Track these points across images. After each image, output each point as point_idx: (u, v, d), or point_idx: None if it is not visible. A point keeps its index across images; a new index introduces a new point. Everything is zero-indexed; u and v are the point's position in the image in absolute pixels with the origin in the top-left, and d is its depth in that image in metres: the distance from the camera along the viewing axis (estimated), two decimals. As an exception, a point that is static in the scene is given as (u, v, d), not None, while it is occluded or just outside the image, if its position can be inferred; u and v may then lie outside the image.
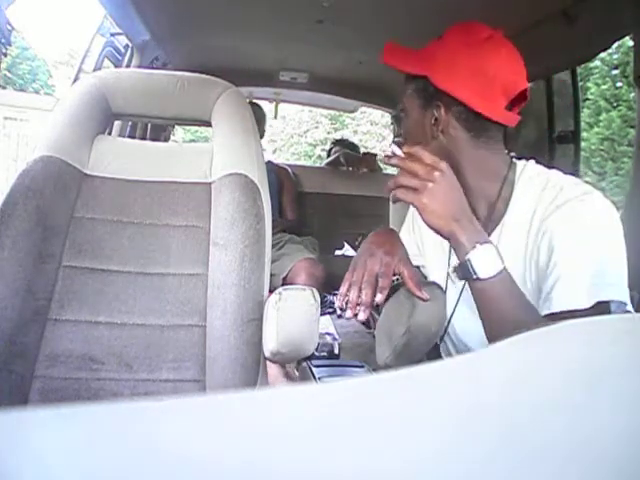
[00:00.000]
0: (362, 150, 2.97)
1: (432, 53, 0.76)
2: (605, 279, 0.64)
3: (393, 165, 0.69)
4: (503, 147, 0.78)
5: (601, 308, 0.62)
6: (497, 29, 0.74)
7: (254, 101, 2.30)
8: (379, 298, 0.72)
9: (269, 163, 2.19)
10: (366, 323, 1.56)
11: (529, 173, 0.75)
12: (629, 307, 0.64)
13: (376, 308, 0.77)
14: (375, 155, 2.66)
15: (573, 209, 0.67)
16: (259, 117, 2.17)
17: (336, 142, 3.01)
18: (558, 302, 0.65)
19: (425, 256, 0.88)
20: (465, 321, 0.82)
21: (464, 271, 0.67)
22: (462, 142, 0.75)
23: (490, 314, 0.68)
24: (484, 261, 0.65)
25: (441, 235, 0.68)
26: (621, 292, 0.64)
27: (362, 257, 0.76)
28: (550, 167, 0.77)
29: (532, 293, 0.71)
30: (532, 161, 0.78)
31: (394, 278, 0.75)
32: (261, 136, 2.17)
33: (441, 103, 0.74)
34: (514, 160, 0.78)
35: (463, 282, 0.80)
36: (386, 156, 0.72)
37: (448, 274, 0.82)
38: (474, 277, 0.66)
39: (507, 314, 0.65)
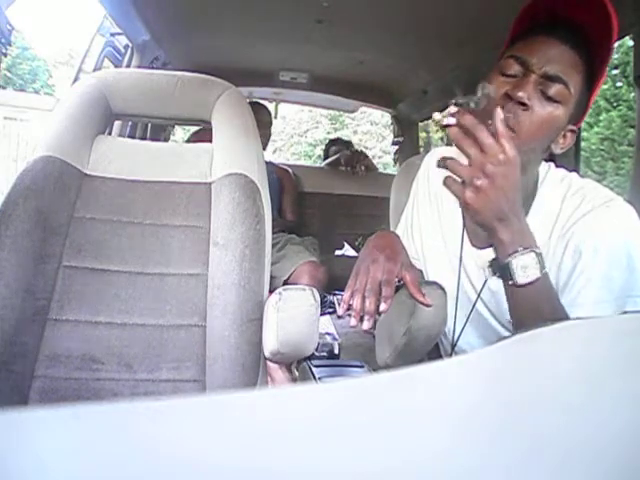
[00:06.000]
0: (357, 148, 2.95)
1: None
2: (635, 290, 0.63)
3: (451, 136, 0.59)
4: None
5: None
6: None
7: (261, 102, 2.30)
8: (383, 308, 0.70)
9: (269, 164, 2.19)
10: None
11: (552, 177, 0.74)
12: None
13: None
14: (366, 156, 2.62)
15: (600, 217, 0.66)
16: (266, 120, 2.17)
17: (332, 142, 3.01)
18: (584, 309, 0.64)
19: (425, 257, 0.86)
20: (473, 342, 0.81)
21: (501, 272, 0.63)
22: (542, 157, 0.72)
23: (521, 318, 0.64)
24: (523, 267, 0.61)
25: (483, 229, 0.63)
26: None
27: (364, 263, 0.74)
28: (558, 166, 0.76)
29: None
30: (552, 164, 0.77)
31: (396, 281, 0.75)
32: (267, 140, 2.18)
33: (576, 128, 0.69)
34: None
35: (473, 291, 0.79)
36: (443, 125, 0.59)
37: (460, 272, 0.80)
38: (510, 282, 0.62)
39: (539, 320, 0.62)
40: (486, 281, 0.76)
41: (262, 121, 2.12)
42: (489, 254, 0.76)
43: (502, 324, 0.76)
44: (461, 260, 0.79)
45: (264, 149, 2.11)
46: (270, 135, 2.25)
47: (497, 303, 0.76)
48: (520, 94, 0.64)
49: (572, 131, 0.69)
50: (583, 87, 0.66)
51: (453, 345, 0.83)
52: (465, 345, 0.82)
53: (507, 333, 0.75)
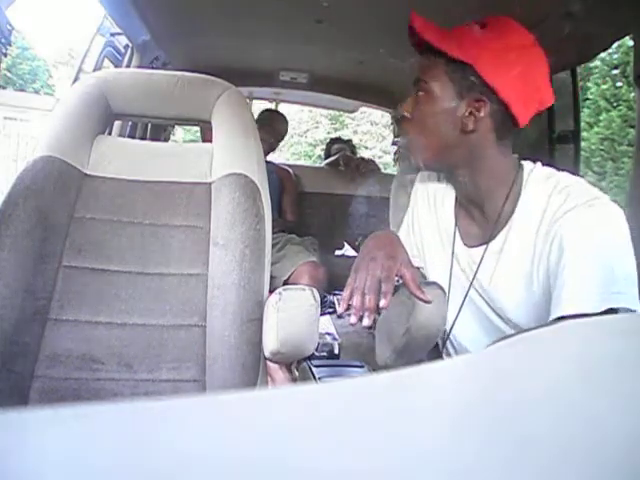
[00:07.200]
0: (362, 156, 2.96)
1: (478, 42, 0.72)
2: (615, 287, 0.63)
3: None
4: (511, 151, 0.78)
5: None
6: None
7: (280, 112, 2.32)
8: (383, 303, 0.71)
9: (270, 164, 2.19)
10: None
11: (537, 176, 0.75)
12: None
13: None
14: (372, 162, 2.64)
15: (582, 214, 0.67)
16: (284, 130, 2.25)
17: (333, 141, 3.00)
18: (568, 305, 0.64)
19: (425, 257, 0.88)
20: (467, 327, 0.82)
21: None
22: (487, 142, 0.74)
23: None
24: None
25: None
26: (631, 300, 0.63)
27: (363, 261, 0.76)
28: (555, 168, 0.77)
29: (538, 292, 0.71)
30: (539, 163, 0.78)
31: (395, 279, 0.75)
32: (276, 147, 2.22)
33: (485, 98, 0.71)
34: (521, 162, 0.78)
35: (467, 286, 0.80)
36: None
37: (451, 271, 0.82)
38: None
39: None
40: (475, 276, 0.78)
41: (279, 130, 2.20)
42: (478, 252, 0.78)
43: (502, 318, 0.77)
44: (453, 253, 0.82)
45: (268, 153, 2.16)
46: (280, 142, 2.29)
47: (492, 299, 0.78)
48: (399, 111, 0.78)
49: (477, 100, 0.72)
50: (447, 71, 0.73)
51: (446, 337, 0.85)
52: (468, 340, 0.83)
53: (506, 326, 0.76)
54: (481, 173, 0.76)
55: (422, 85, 0.75)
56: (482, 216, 0.79)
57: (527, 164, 0.78)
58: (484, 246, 0.78)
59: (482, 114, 0.72)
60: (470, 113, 0.72)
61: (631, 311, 0.62)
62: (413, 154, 0.79)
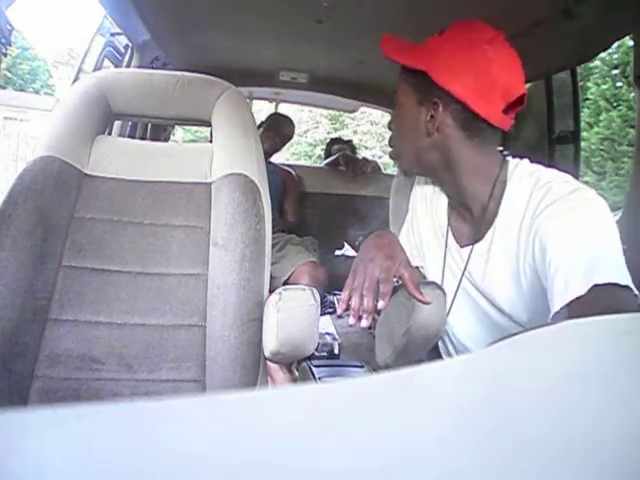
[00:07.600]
0: (365, 157, 2.96)
1: (433, 48, 0.75)
2: (598, 264, 0.61)
3: None
4: (496, 148, 0.78)
5: (599, 292, 0.59)
6: (498, 31, 0.74)
7: (285, 115, 2.34)
8: (381, 304, 0.71)
9: (272, 165, 2.19)
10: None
11: (520, 173, 0.75)
12: (635, 290, 0.60)
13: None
14: (373, 162, 2.65)
15: (561, 207, 0.66)
16: (291, 134, 2.28)
17: (334, 141, 3.00)
18: (559, 298, 0.63)
19: (424, 256, 0.88)
20: (461, 319, 0.82)
21: None
22: (456, 141, 0.75)
23: None
24: None
25: None
26: (618, 275, 0.60)
27: (362, 262, 0.76)
28: (549, 166, 0.76)
29: (527, 291, 0.71)
30: (526, 160, 0.77)
31: (394, 280, 0.75)
32: (280, 147, 2.24)
33: (439, 100, 0.73)
34: (507, 159, 0.78)
35: (459, 280, 0.80)
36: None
37: (443, 271, 0.83)
38: None
39: None
40: (462, 276, 0.80)
41: (285, 133, 2.25)
42: (466, 251, 0.80)
43: (499, 310, 0.77)
44: (445, 253, 0.83)
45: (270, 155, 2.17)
46: (284, 144, 2.33)
47: (487, 295, 0.78)
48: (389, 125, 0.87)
49: (434, 103, 0.75)
50: (408, 82, 0.79)
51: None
52: (465, 335, 0.83)
53: (504, 318, 0.76)
54: (459, 173, 0.76)
55: (396, 100, 0.82)
56: (471, 215, 0.79)
57: (512, 161, 0.77)
58: (473, 245, 0.79)
59: (439, 116, 0.74)
60: (431, 117, 0.75)
61: (623, 286, 0.60)
62: (397, 162, 0.87)
